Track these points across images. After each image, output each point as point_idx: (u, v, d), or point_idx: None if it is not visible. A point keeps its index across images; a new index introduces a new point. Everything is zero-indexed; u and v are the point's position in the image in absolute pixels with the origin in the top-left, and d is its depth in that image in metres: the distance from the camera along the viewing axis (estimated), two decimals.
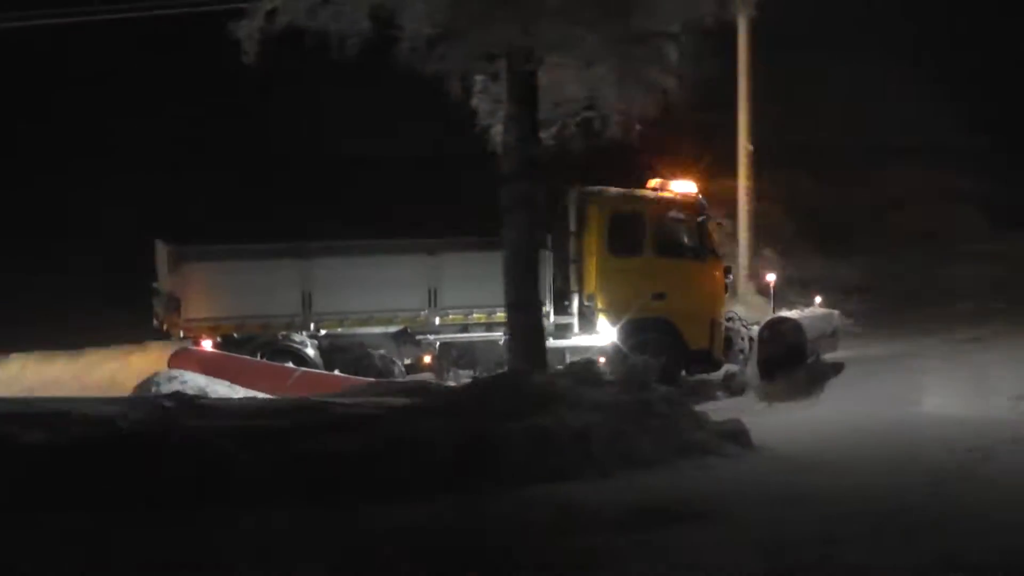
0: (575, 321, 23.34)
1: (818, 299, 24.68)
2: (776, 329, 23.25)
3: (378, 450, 14.45)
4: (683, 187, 24.35)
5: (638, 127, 19.70)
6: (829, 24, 38.45)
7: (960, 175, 38.65)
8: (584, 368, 18.74)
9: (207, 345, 21.32)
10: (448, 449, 14.72)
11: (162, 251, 22.57)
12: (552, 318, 22.93)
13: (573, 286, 23.36)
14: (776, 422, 19.34)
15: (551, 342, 22.64)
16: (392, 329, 22.31)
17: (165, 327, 22.42)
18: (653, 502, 13.77)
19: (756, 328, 23.85)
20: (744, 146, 31.14)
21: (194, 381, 20.50)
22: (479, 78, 19.65)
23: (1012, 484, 14.74)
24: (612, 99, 19.24)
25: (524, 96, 19.17)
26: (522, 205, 19.26)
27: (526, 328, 19.27)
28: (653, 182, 24.76)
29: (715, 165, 32.23)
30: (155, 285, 23.32)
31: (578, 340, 23.16)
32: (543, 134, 19.54)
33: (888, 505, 13.66)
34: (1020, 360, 22.48)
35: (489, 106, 19.84)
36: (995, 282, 32.99)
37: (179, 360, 21.10)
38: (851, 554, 11.83)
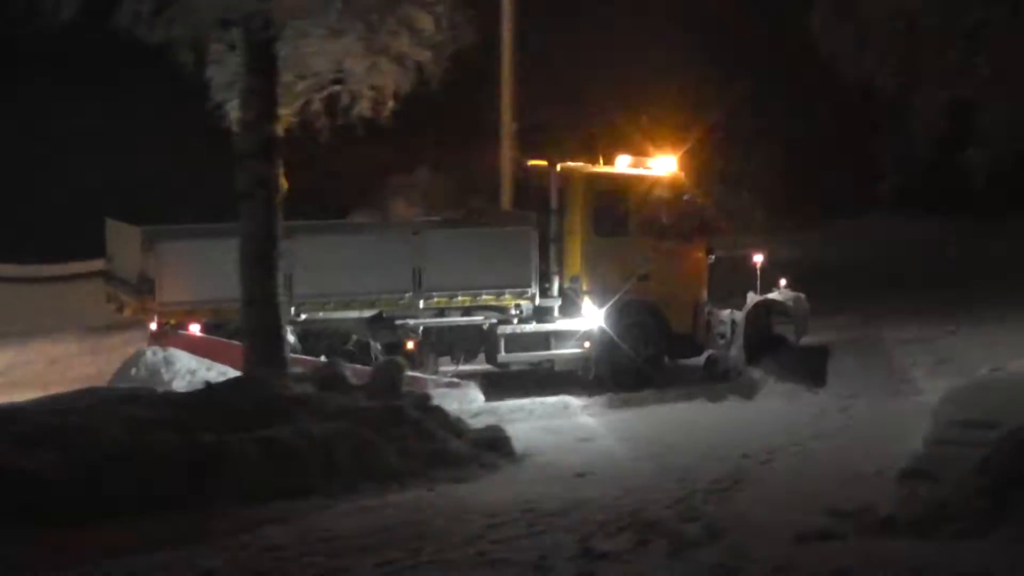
0: (555, 304, 23.51)
1: (783, 282, 24.97)
2: (763, 311, 24.00)
3: (93, 466, 13.95)
4: (664, 164, 24.45)
5: (391, 104, 19.41)
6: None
7: (736, 159, 39.47)
8: (329, 372, 18.44)
9: (195, 328, 21.35)
10: (176, 464, 14.28)
11: (129, 232, 22.30)
12: (537, 300, 23.19)
13: (553, 267, 23.51)
14: None
15: (534, 326, 23.04)
16: (367, 313, 22.30)
17: (131, 312, 22.14)
18: (401, 519, 13.63)
19: (731, 312, 24.26)
20: (508, 125, 31.15)
21: (184, 361, 20.47)
22: (213, 47, 19.11)
23: (787, 491, 15.09)
24: (361, 73, 18.93)
25: (263, 68, 18.63)
26: (261, 189, 18.78)
27: (264, 327, 18.81)
28: (623, 158, 24.77)
29: (480, 145, 32.21)
30: (107, 268, 23.23)
31: (563, 324, 23.33)
32: (284, 111, 19.08)
33: (658, 516, 13.76)
34: None
35: (225, 79, 19.28)
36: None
37: (167, 343, 21.11)
38: (613, 571, 11.90)
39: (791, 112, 39.70)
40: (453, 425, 16.88)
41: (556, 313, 23.44)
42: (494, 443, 16.68)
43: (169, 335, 21.17)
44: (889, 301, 29.04)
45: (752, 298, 24.38)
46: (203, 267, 21.24)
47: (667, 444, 17.90)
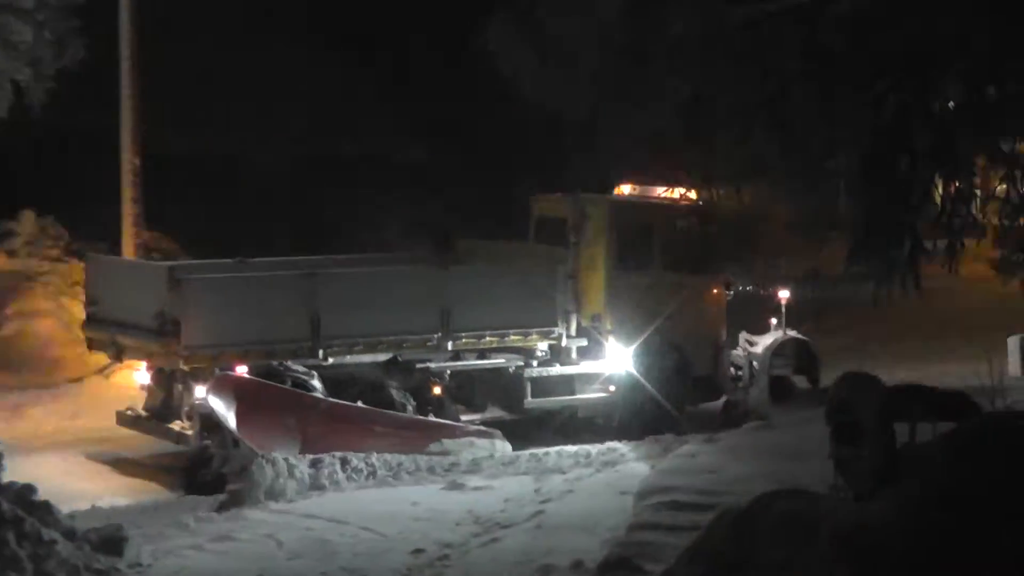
0: (578, 344, 24.36)
1: (774, 321, 25.68)
2: (788, 351, 24.95)
3: None
4: (684, 192, 24.66)
5: None
6: (235, 10, 38.10)
7: (396, 191, 39.08)
8: None
9: (242, 371, 21.85)
10: None
11: (141, 268, 23.69)
12: (564, 341, 24.16)
13: (570, 305, 24.35)
14: None
15: (557, 369, 24.03)
16: (381, 357, 22.97)
17: (145, 359, 22.77)
18: None
19: (746, 351, 25.07)
20: (129, 160, 30.12)
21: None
22: None
23: None
24: None
25: None
26: None
27: None
28: (624, 187, 25.52)
29: (96, 183, 31.01)
30: (92, 311, 23.69)
31: (587, 366, 24.26)
32: None
33: None
34: None
35: None
36: None
37: (217, 387, 21.22)
38: None
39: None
40: (63, 524, 15.83)
41: (574, 355, 24.27)
42: (112, 545, 15.70)
43: (218, 380, 21.27)
44: None
45: (774, 336, 25.19)
46: (230, 306, 21.91)
47: (324, 540, 17.23)
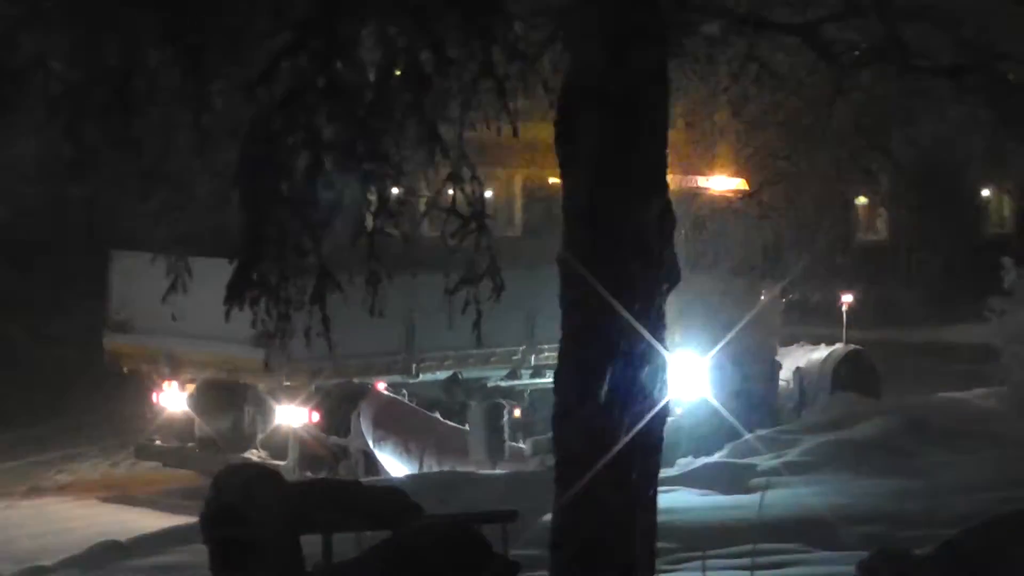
0: None
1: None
2: (853, 364, 24.84)
3: None
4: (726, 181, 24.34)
5: None
6: None
7: None
8: None
9: (381, 387, 21.99)
10: None
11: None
12: None
13: None
14: None
15: None
16: (441, 375, 22.92)
17: (233, 374, 21.98)
18: None
19: (798, 365, 24.85)
20: None
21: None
22: None
23: None
24: None
25: None
26: None
27: None
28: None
29: None
30: (122, 317, 23.01)
31: None
32: None
33: None
34: None
35: None
36: None
37: (366, 407, 21.74)
38: None
39: None
40: None
41: None
42: None
43: (368, 396, 21.70)
44: None
45: (837, 347, 25.26)
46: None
47: None
